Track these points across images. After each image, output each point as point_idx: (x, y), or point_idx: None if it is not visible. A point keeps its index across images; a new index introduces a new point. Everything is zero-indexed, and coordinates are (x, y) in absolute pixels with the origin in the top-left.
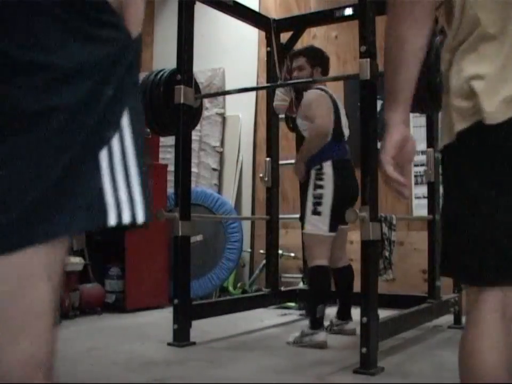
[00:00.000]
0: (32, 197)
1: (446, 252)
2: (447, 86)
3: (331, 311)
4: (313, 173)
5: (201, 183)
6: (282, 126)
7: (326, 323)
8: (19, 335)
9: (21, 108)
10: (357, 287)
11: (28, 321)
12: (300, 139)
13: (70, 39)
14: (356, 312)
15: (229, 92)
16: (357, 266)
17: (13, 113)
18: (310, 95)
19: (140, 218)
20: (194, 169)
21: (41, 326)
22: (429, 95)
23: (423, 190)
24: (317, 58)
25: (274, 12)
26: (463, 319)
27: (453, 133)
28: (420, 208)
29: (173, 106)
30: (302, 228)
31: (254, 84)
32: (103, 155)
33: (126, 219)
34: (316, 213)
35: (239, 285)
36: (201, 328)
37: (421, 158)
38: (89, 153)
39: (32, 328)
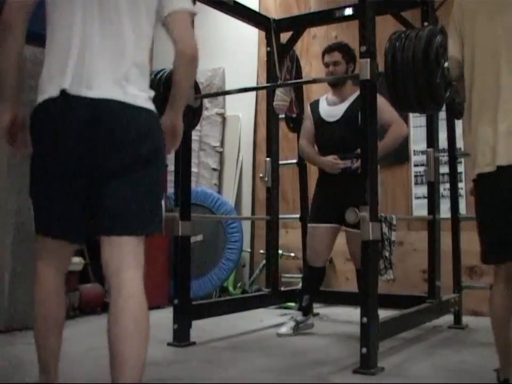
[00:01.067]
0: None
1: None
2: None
3: (330, 311)
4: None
5: (201, 183)
6: (282, 126)
7: (293, 323)
8: None
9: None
10: (356, 287)
11: None
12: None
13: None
14: (356, 312)
15: (229, 92)
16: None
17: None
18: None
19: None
20: (194, 169)
21: None
22: (429, 95)
23: (423, 190)
24: (351, 54)
25: (274, 12)
26: (463, 319)
27: (475, 173)
28: (420, 208)
29: None
30: (305, 227)
31: (254, 84)
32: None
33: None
34: None
35: (239, 285)
36: (201, 328)
37: (421, 158)
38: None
39: None
